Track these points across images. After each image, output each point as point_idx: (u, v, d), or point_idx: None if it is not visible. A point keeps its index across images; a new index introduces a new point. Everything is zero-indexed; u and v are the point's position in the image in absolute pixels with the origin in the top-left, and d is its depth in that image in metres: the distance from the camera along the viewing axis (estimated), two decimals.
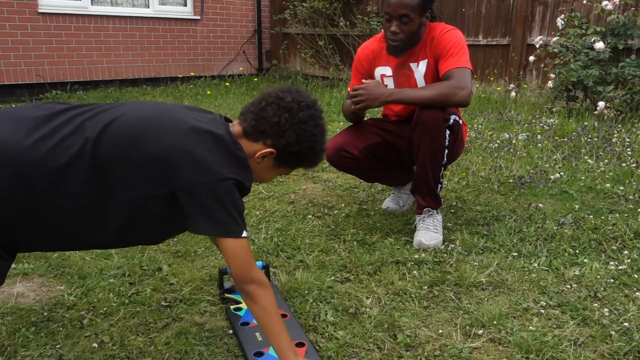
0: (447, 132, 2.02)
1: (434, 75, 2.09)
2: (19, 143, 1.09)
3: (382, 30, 2.14)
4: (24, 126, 1.13)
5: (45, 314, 1.59)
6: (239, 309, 1.59)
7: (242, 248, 1.18)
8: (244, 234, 1.18)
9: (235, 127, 1.27)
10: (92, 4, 6.05)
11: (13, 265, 1.90)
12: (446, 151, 2.05)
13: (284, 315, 1.48)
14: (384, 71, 2.19)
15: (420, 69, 2.11)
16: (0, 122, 1.15)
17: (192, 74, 6.93)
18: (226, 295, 1.65)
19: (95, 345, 1.44)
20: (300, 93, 1.26)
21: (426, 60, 2.09)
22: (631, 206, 2.43)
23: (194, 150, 1.14)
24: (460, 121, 2.12)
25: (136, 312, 1.61)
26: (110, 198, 1.15)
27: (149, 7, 6.54)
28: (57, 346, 1.44)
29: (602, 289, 1.73)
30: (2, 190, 1.08)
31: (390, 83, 2.18)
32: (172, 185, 1.14)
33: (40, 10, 5.61)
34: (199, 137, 1.16)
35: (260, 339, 1.45)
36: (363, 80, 2.09)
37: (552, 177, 2.82)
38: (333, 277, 1.82)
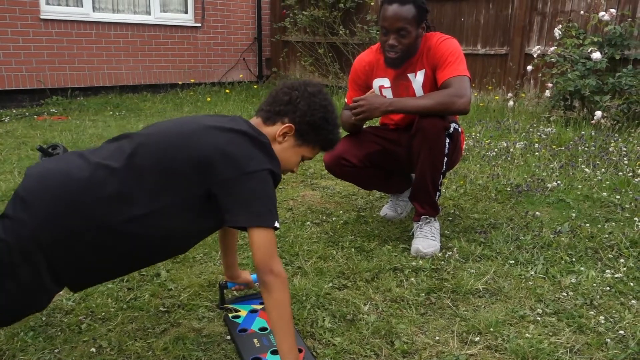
0: (447, 140, 2.03)
1: (432, 85, 2.11)
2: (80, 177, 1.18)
3: (379, 41, 2.16)
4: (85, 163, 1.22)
5: (43, 318, 1.60)
6: (237, 317, 1.60)
7: (270, 239, 1.21)
8: (276, 224, 1.22)
9: (254, 121, 1.38)
10: (93, 11, 6.09)
11: None
12: (445, 159, 2.06)
13: None
14: (382, 82, 2.21)
15: (418, 79, 2.13)
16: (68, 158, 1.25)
17: (192, 80, 6.96)
18: (225, 305, 1.66)
19: (93, 350, 1.44)
20: (304, 79, 1.41)
21: (424, 71, 2.11)
22: (627, 215, 2.45)
23: (225, 147, 1.22)
24: (460, 129, 2.14)
25: (134, 317, 1.62)
26: (148, 206, 1.19)
27: (150, 14, 6.58)
28: (56, 351, 1.44)
29: (598, 296, 1.74)
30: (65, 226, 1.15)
31: (388, 94, 2.19)
32: (208, 182, 1.20)
33: (42, 17, 5.64)
34: (227, 135, 1.25)
35: (257, 345, 1.45)
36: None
37: (549, 185, 2.84)
38: (331, 284, 1.83)
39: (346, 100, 2.33)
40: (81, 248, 1.17)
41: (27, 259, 1.15)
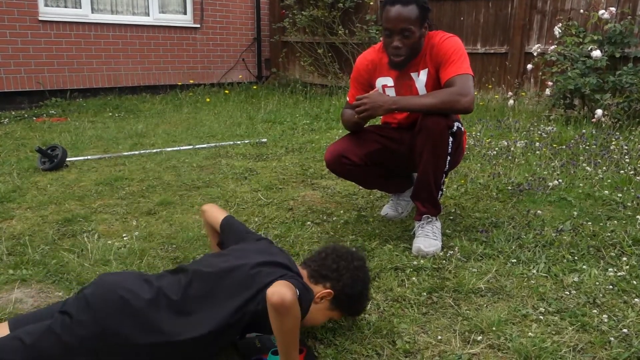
0: (451, 138, 2.02)
1: (434, 84, 2.10)
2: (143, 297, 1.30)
3: (381, 40, 2.14)
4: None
5: None
6: None
7: (293, 288, 1.25)
8: (298, 293, 1.27)
9: (301, 271, 1.49)
10: (92, 12, 6.09)
11: (11, 272, 1.91)
12: (448, 158, 2.05)
13: None
14: (385, 82, 2.20)
15: (421, 78, 2.12)
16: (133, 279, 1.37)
17: (192, 81, 6.95)
18: None
19: None
20: (351, 249, 1.56)
21: (427, 70, 2.10)
22: (629, 213, 2.44)
23: (270, 268, 1.39)
24: (462, 128, 2.13)
25: None
26: (197, 332, 1.28)
27: (149, 15, 6.58)
28: None
29: (601, 295, 1.73)
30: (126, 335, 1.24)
31: (391, 93, 2.18)
32: (256, 287, 1.32)
33: (40, 18, 5.64)
34: (275, 268, 1.40)
35: (259, 345, 1.44)
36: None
37: (550, 184, 2.83)
38: None
39: (348, 99, 2.32)
40: (123, 358, 1.25)
41: (70, 357, 1.22)
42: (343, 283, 1.45)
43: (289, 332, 1.23)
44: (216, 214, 1.69)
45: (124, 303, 1.26)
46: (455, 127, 2.03)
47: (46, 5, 5.74)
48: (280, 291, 1.20)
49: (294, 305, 1.21)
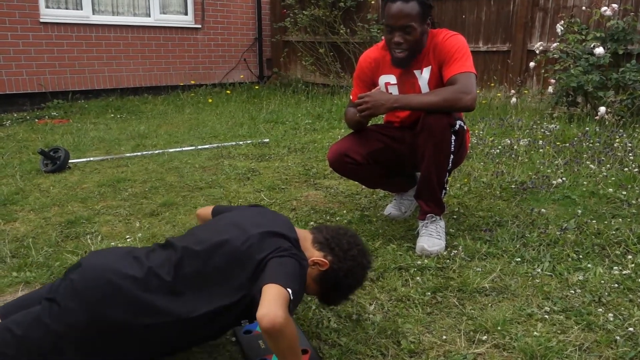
0: (453, 137, 2.01)
1: (437, 82, 2.09)
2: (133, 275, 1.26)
3: (383, 38, 2.14)
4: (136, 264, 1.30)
5: None
6: None
7: (282, 293, 1.18)
8: (291, 295, 1.19)
9: (305, 234, 1.47)
10: (93, 14, 6.09)
11: (15, 274, 1.91)
12: (451, 156, 2.04)
13: None
14: (388, 79, 2.19)
15: (424, 76, 2.11)
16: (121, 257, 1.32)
17: (193, 82, 6.96)
18: None
19: None
20: (368, 251, 1.53)
21: (430, 67, 2.09)
22: (634, 211, 2.43)
23: (264, 239, 1.33)
24: (465, 127, 2.12)
25: None
26: (190, 313, 1.26)
27: (150, 16, 6.58)
28: None
29: (606, 293, 1.72)
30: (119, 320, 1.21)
31: (394, 91, 2.18)
32: (245, 277, 1.27)
33: (42, 20, 5.64)
34: (271, 237, 1.35)
35: (263, 346, 1.44)
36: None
37: (554, 182, 2.82)
38: None
39: (351, 97, 2.32)
40: (115, 342, 1.23)
41: (62, 345, 1.20)
42: (342, 265, 1.41)
43: (286, 351, 1.17)
44: (207, 209, 1.67)
45: (112, 287, 1.22)
46: (457, 126, 2.02)
47: (47, 7, 5.74)
48: (269, 314, 1.11)
49: (287, 326, 1.13)
